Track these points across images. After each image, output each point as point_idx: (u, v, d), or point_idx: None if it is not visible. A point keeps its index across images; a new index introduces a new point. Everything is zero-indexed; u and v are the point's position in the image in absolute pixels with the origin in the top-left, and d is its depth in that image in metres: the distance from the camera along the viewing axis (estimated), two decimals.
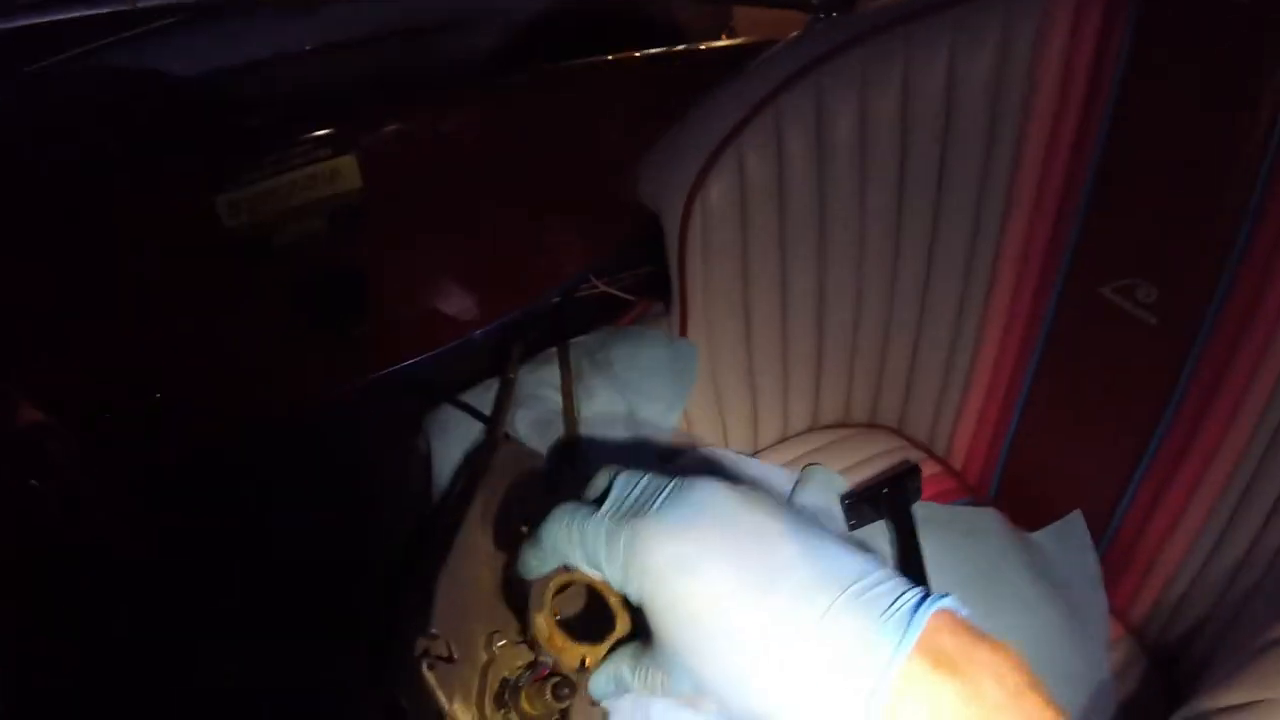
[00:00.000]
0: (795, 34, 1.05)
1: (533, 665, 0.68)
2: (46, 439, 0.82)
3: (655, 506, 0.46)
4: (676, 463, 1.04)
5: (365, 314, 1.09)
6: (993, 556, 0.98)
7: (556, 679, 0.62)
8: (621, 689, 0.51)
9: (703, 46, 1.25)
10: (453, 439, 1.05)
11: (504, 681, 0.70)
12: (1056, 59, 0.90)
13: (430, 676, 0.69)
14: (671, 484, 0.47)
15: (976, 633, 0.41)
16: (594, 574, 0.50)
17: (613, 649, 0.55)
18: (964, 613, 0.42)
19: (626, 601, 0.51)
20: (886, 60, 0.95)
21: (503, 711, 0.70)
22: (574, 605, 0.59)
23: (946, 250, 1.03)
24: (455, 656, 0.70)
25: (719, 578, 0.42)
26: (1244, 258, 0.80)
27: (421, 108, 1.05)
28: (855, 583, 0.41)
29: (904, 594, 0.41)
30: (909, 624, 0.39)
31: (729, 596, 0.41)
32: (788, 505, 0.47)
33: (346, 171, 1.02)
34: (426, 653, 0.70)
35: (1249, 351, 0.82)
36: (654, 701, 0.52)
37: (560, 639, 0.55)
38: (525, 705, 0.68)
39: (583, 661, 0.55)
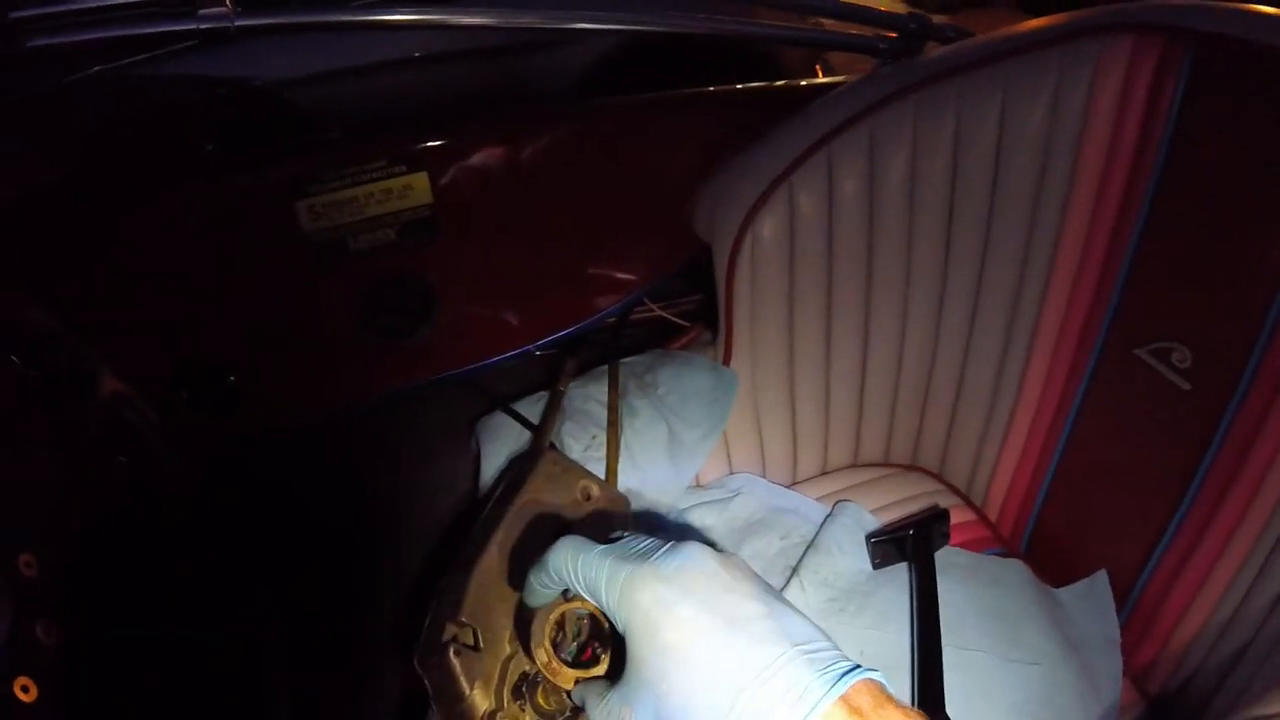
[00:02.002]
0: (852, 79, 1.07)
1: None
2: (125, 409, 0.90)
3: (653, 558, 0.54)
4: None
5: (428, 320, 1.15)
6: (1013, 608, 0.98)
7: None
8: (588, 710, 0.58)
9: (776, 84, 1.28)
10: (501, 444, 1.10)
11: (523, 675, 0.75)
12: (1107, 117, 0.91)
13: (455, 662, 0.74)
14: (669, 544, 0.55)
15: (893, 700, 0.47)
16: (589, 600, 0.58)
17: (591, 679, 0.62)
18: (889, 689, 0.48)
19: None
20: (939, 110, 0.97)
21: (519, 703, 0.74)
22: (574, 630, 0.64)
23: (991, 299, 1.04)
24: (480, 646, 0.75)
25: (693, 617, 0.50)
26: (1277, 327, 0.80)
27: (496, 131, 1.11)
28: (804, 643, 0.48)
29: (840, 661, 0.48)
30: (838, 680, 0.46)
31: (699, 633, 0.49)
32: (760, 578, 0.55)
33: (419, 187, 1.08)
34: (455, 639, 0.75)
35: (1278, 422, 0.81)
36: None
37: (557, 665, 0.62)
38: (540, 700, 0.72)
39: (576, 683, 0.62)
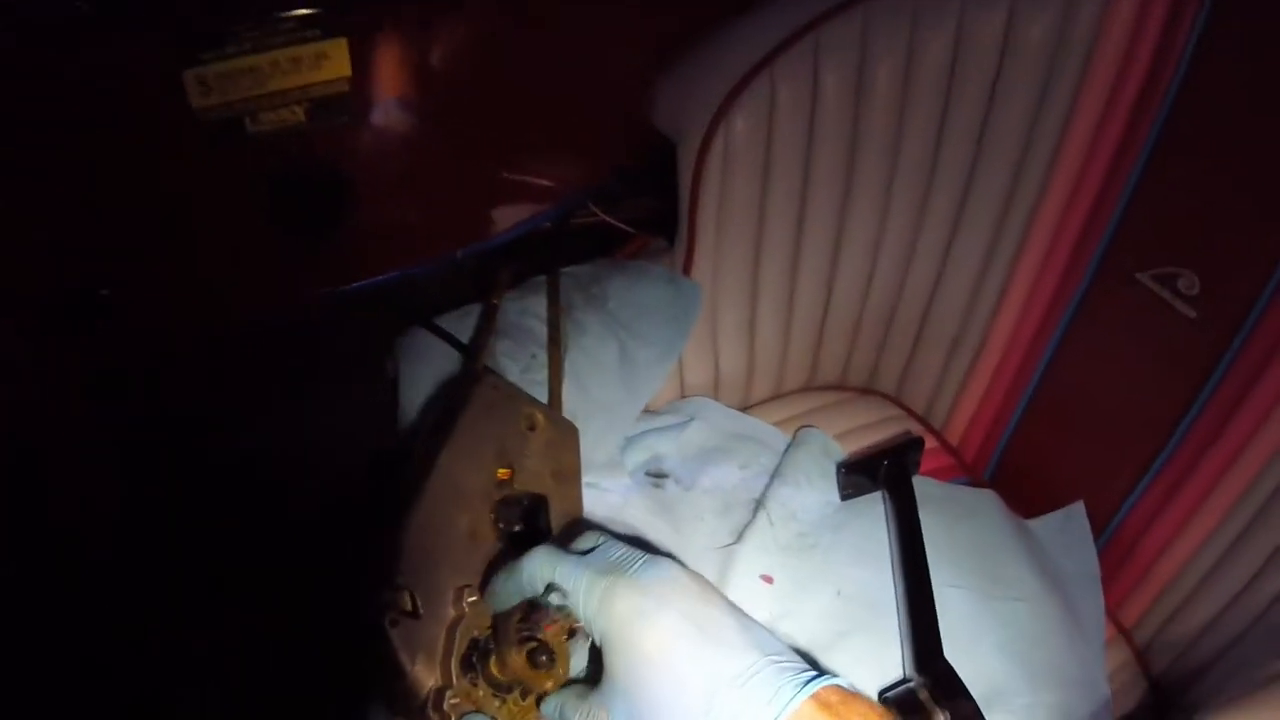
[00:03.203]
0: None
1: None
2: None
3: (630, 571, 0.56)
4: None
5: (339, 219, 0.97)
6: (991, 542, 0.93)
7: (534, 644, 0.59)
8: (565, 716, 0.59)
9: None
10: (424, 366, 0.96)
11: (473, 642, 0.65)
12: (1125, 23, 0.83)
13: (392, 634, 0.62)
14: (644, 558, 0.58)
15: (859, 696, 0.51)
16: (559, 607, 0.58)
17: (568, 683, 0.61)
18: (855, 691, 0.52)
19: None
20: (941, 3, 0.88)
21: (469, 676, 0.64)
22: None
23: (976, 213, 0.97)
24: (420, 612, 0.64)
25: (670, 628, 0.52)
26: None
27: None
28: (775, 654, 0.52)
29: (808, 670, 0.51)
30: (808, 683, 0.49)
31: (675, 644, 0.52)
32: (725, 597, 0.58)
33: (335, 56, 0.89)
34: (389, 606, 0.63)
35: None
36: None
37: (529, 670, 0.59)
38: (494, 670, 0.62)
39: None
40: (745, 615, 0.56)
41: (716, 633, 0.53)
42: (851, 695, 0.50)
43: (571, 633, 0.60)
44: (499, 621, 0.62)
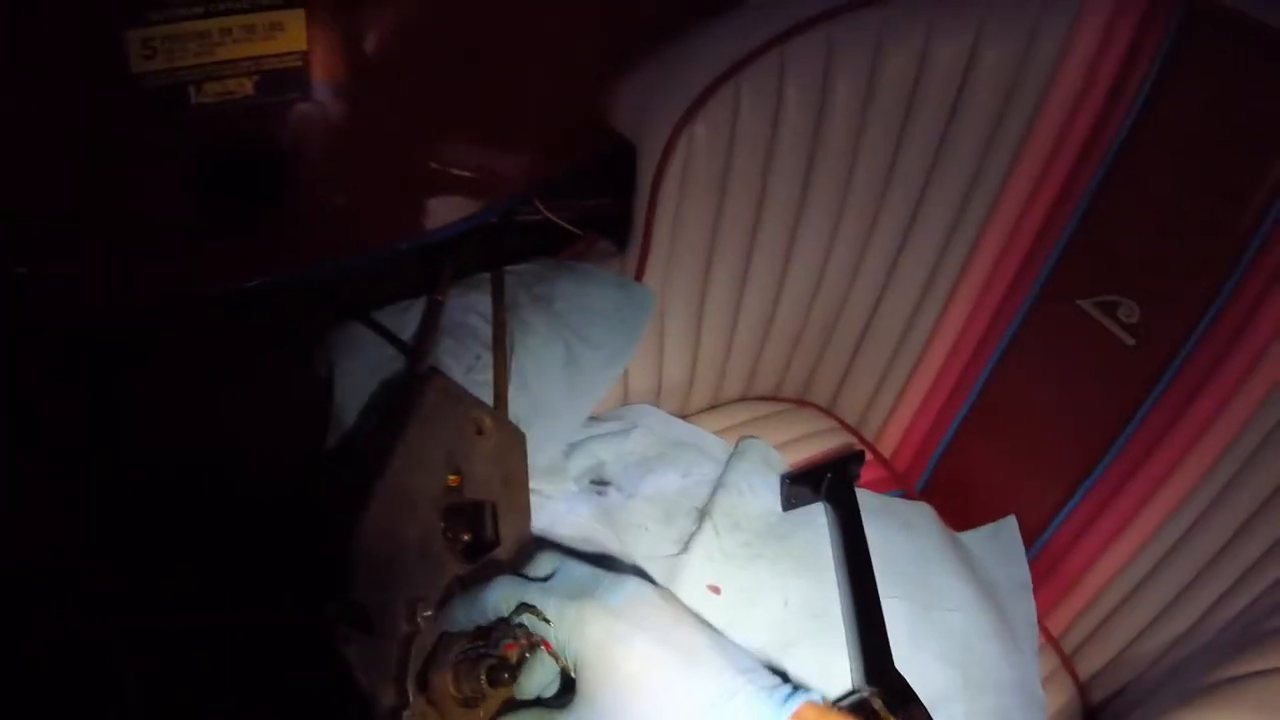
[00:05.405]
0: None
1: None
2: None
3: (598, 591, 0.57)
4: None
5: (277, 201, 0.90)
6: (927, 553, 0.95)
7: (491, 661, 0.57)
8: None
9: None
10: (359, 362, 0.91)
11: (429, 659, 0.62)
12: (1081, 62, 0.87)
13: (349, 654, 0.59)
14: (610, 578, 0.58)
15: (832, 711, 0.52)
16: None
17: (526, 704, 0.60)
18: (829, 707, 0.53)
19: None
20: (907, 25, 0.89)
21: (425, 694, 0.61)
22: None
23: (924, 232, 0.99)
24: (374, 627, 0.61)
25: (645, 653, 0.53)
26: (1233, 296, 0.80)
27: None
28: (749, 671, 0.53)
29: (783, 685, 0.53)
30: (785, 702, 0.51)
31: (655, 667, 0.52)
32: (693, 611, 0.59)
33: (291, 28, 0.82)
34: (340, 620, 0.60)
35: (1219, 389, 0.82)
36: None
37: (452, 704, 0.59)
38: (450, 687, 0.59)
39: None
40: (714, 631, 0.56)
41: (691, 654, 0.53)
42: (826, 711, 0.51)
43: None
44: (449, 640, 0.61)
